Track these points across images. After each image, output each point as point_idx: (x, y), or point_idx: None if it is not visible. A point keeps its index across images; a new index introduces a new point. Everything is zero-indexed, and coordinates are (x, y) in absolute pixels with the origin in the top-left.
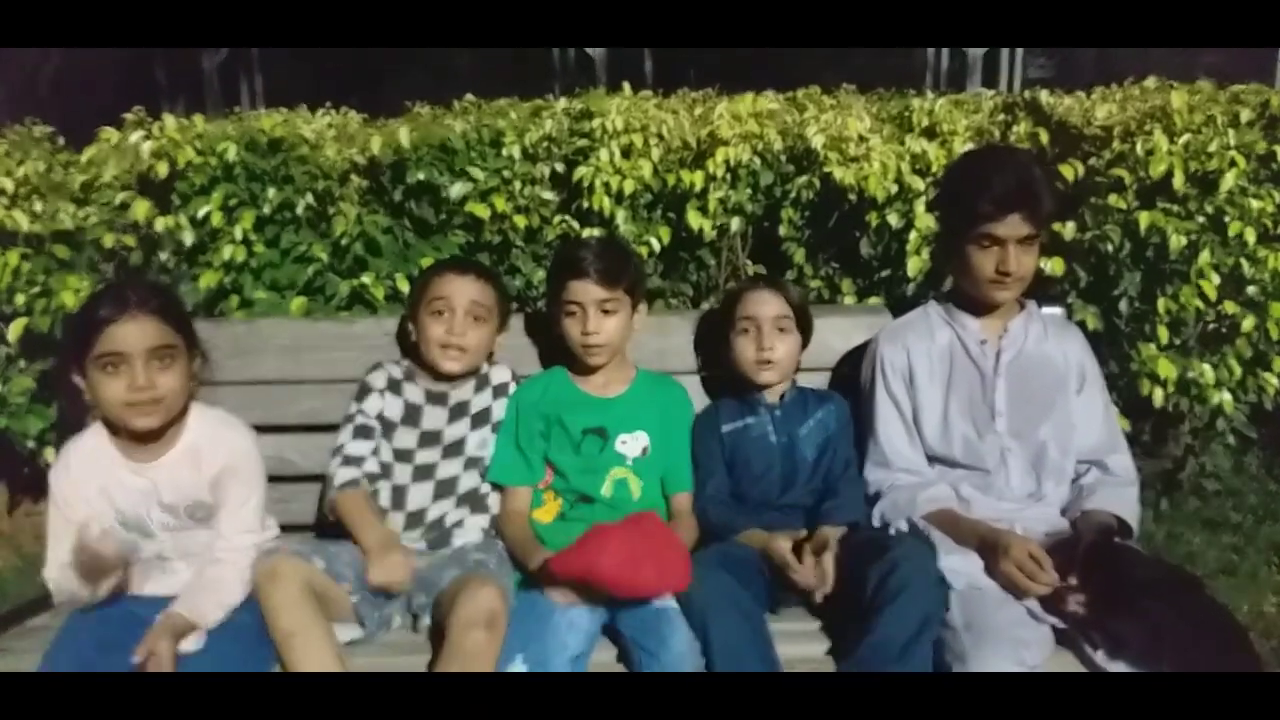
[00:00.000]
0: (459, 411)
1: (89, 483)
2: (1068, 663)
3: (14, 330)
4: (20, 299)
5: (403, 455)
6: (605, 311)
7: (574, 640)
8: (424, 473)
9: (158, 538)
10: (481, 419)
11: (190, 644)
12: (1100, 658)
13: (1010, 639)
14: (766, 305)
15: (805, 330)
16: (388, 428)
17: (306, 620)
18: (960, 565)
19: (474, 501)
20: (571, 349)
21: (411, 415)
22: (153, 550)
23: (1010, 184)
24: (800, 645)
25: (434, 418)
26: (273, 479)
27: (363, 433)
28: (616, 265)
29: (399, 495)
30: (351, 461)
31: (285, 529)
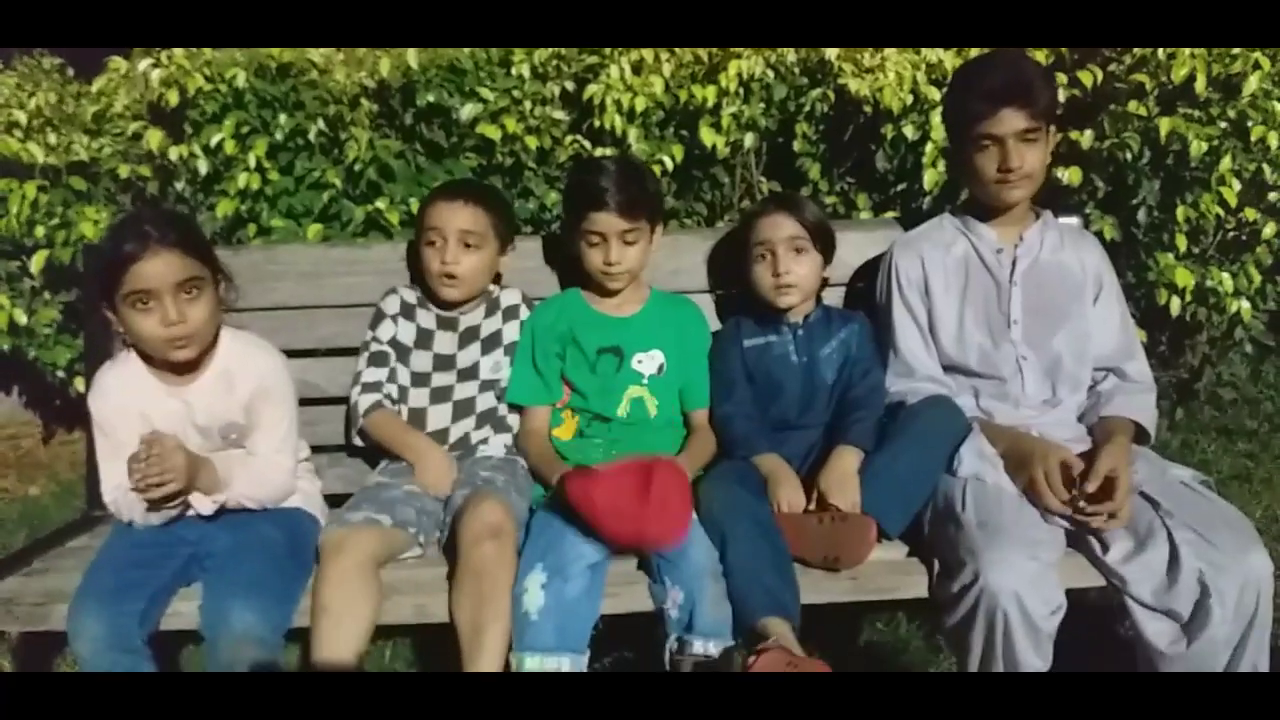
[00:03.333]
0: (469, 336)
1: (127, 406)
2: (1079, 565)
3: (36, 262)
4: (40, 231)
5: (419, 379)
6: (627, 242)
7: (590, 549)
8: (441, 395)
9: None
10: (492, 342)
11: (205, 506)
12: (1111, 558)
13: (1023, 538)
14: (779, 228)
15: (826, 247)
16: (402, 352)
17: (347, 602)
18: (972, 462)
19: (494, 421)
20: (590, 274)
21: (424, 339)
22: None
23: (998, 79)
24: None
25: (445, 342)
26: (299, 402)
27: (378, 359)
28: (638, 194)
29: (418, 417)
30: (370, 388)
31: (315, 450)
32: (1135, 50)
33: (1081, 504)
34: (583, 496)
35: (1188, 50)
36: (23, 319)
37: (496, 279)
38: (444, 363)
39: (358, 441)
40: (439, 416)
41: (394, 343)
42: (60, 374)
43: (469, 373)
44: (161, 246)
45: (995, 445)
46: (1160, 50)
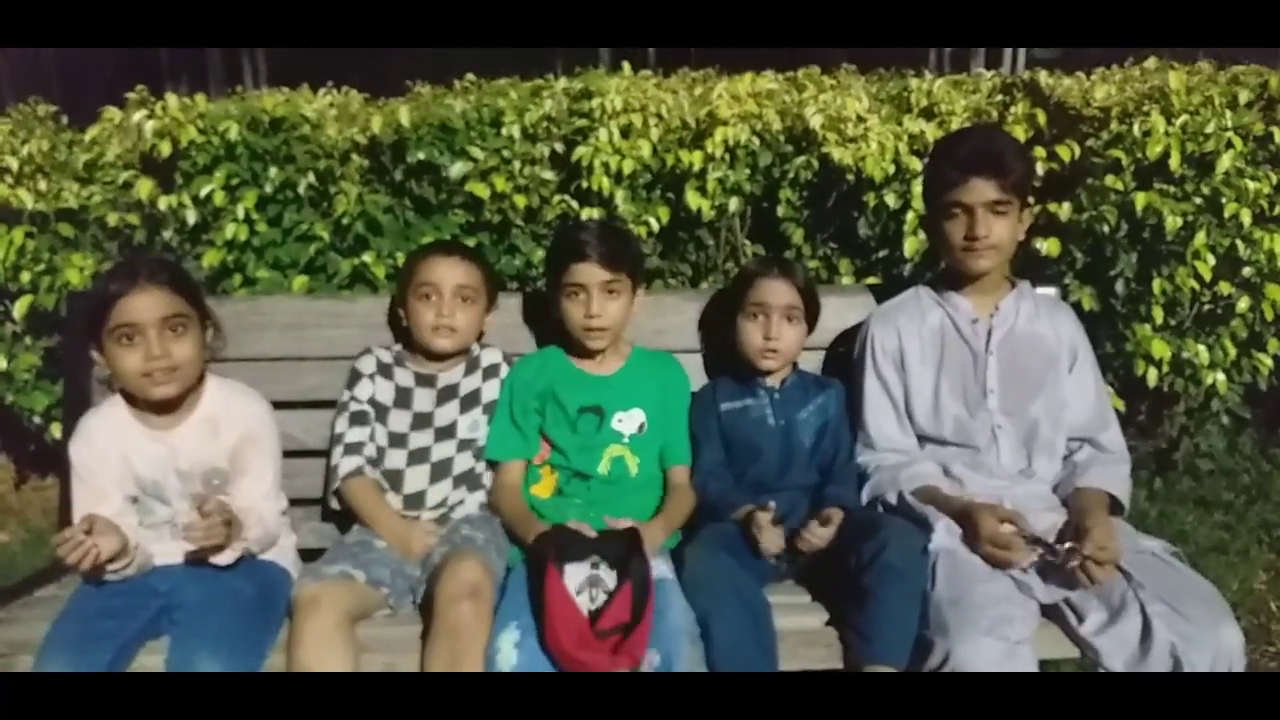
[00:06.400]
0: (448, 394)
1: (110, 451)
2: (1053, 636)
3: (20, 307)
4: (26, 276)
5: (396, 440)
6: (609, 293)
7: None
8: (419, 456)
9: (174, 505)
10: (471, 401)
11: (225, 557)
12: (1085, 630)
13: (993, 615)
14: (779, 294)
15: (812, 318)
16: (380, 411)
17: (327, 659)
18: (943, 536)
19: (470, 481)
20: (571, 333)
21: (403, 398)
22: (166, 517)
23: (970, 149)
24: (795, 617)
25: (424, 400)
26: None
27: (358, 419)
28: (619, 247)
29: (395, 479)
30: (352, 450)
31: (291, 503)
32: (1112, 127)
33: (1073, 563)
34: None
35: (1162, 128)
36: (2, 363)
37: (478, 336)
38: (422, 421)
39: (334, 504)
40: (416, 478)
41: (372, 402)
42: (37, 419)
43: (446, 431)
44: (149, 284)
45: (947, 514)
46: (1136, 127)
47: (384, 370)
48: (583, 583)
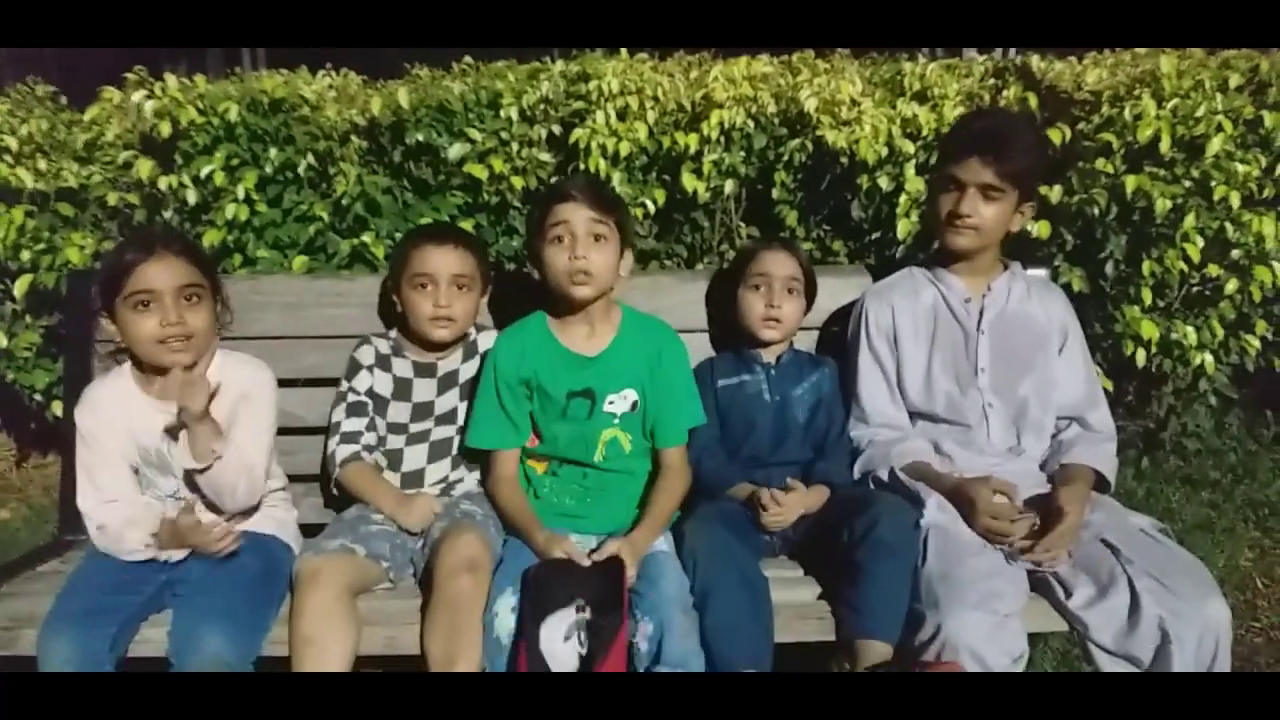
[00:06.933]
0: (448, 382)
1: (114, 420)
2: (1042, 609)
3: (20, 286)
4: (26, 255)
5: (396, 428)
6: (595, 238)
7: None
8: (418, 438)
9: (177, 476)
10: (471, 388)
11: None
12: (1073, 604)
13: (983, 590)
14: (781, 265)
15: (810, 296)
16: (380, 403)
17: (329, 631)
18: (934, 512)
19: (469, 460)
20: (556, 286)
21: (402, 390)
22: (170, 490)
23: (977, 127)
24: (788, 591)
25: (424, 390)
26: (278, 432)
27: (356, 410)
28: (606, 193)
29: (394, 458)
30: (349, 438)
31: (291, 479)
32: (1103, 110)
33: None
34: None
35: (1153, 111)
36: (2, 341)
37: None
38: (422, 411)
39: (334, 492)
40: (415, 457)
41: (371, 394)
42: (38, 397)
43: (447, 418)
44: (166, 252)
45: (938, 491)
46: (1127, 110)
47: (382, 362)
48: (570, 628)
